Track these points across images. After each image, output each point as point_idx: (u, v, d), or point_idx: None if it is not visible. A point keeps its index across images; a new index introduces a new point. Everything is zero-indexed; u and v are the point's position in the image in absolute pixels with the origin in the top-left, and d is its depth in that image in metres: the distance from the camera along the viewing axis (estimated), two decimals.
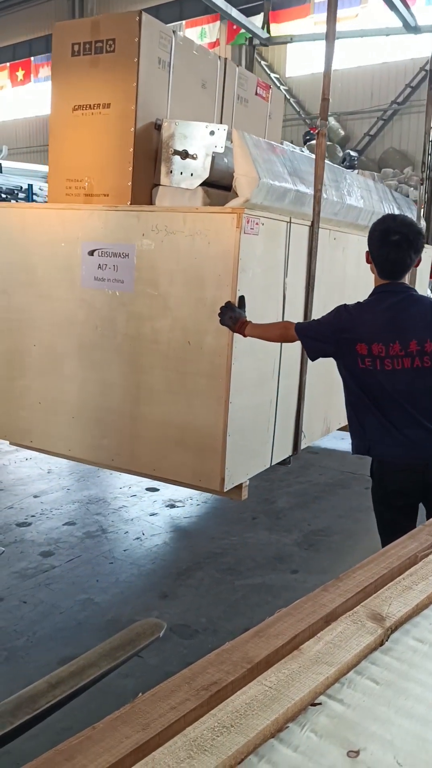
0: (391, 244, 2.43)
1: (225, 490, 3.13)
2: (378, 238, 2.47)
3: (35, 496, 4.51)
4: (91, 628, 3.01)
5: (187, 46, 3.47)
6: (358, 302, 2.56)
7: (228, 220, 2.93)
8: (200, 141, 3.27)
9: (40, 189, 17.49)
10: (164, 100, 3.38)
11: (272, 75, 19.07)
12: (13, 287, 3.53)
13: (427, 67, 14.50)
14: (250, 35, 5.45)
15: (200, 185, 3.26)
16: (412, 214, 5.27)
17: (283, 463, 3.66)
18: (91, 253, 3.28)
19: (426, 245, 2.67)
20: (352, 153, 15.32)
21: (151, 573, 3.58)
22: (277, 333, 2.79)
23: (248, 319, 2.85)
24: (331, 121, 15.28)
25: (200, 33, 18.58)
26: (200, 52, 3.58)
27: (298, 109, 16.73)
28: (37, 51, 21.88)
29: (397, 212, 4.79)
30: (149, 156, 3.33)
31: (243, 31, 17.20)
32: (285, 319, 3.26)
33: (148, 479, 4.44)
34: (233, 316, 2.84)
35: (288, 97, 17.85)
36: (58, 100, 3.42)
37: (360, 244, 3.73)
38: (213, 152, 3.25)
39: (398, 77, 14.98)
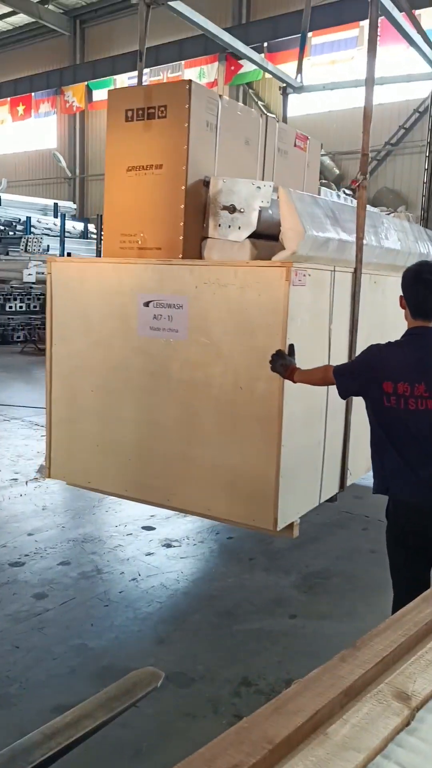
0: (422, 283, 2.64)
1: (278, 530, 3.30)
2: (411, 279, 2.68)
3: (29, 534, 4.47)
4: (86, 675, 2.98)
5: (232, 107, 3.72)
6: (390, 342, 2.74)
7: (277, 274, 3.14)
8: (247, 196, 3.49)
9: (38, 221, 18.02)
10: (211, 158, 3.62)
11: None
12: (72, 335, 3.77)
13: (421, 109, 15.02)
14: (282, 83, 5.69)
15: (247, 237, 3.48)
16: None
17: (331, 500, 3.81)
18: (147, 304, 3.51)
19: None
20: (347, 191, 15.70)
21: (148, 617, 3.51)
22: (320, 377, 2.94)
23: (297, 365, 3.04)
24: (326, 160, 15.75)
25: (199, 73, 19.07)
26: (243, 112, 3.83)
27: None
28: (37, 87, 22.61)
29: (429, 245, 4.98)
30: (198, 211, 3.56)
31: (241, 72, 17.78)
32: (329, 362, 3.45)
33: (143, 519, 4.67)
34: (284, 364, 3.02)
35: None
36: (112, 161, 3.67)
37: (398, 284, 3.92)
38: (260, 206, 3.47)
39: (392, 119, 15.47)
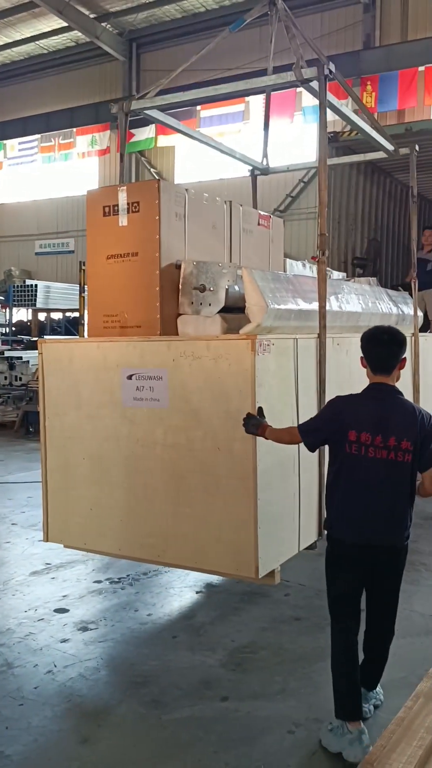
0: (379, 344, 3.14)
1: (260, 577, 3.66)
2: (368, 341, 3.18)
3: None
4: None
5: (198, 198, 4.25)
6: (352, 394, 3.23)
7: (244, 345, 3.60)
8: (215, 276, 3.98)
9: None
10: (182, 244, 4.12)
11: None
12: (65, 410, 4.20)
13: (305, 180, 16.23)
14: (249, 166, 6.32)
15: (218, 312, 3.95)
16: (408, 306, 5.98)
17: (310, 547, 4.18)
18: (130, 377, 3.95)
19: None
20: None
21: (68, 713, 3.32)
22: (288, 438, 3.40)
23: (268, 423, 3.47)
24: None
25: (91, 140, 19.85)
26: (209, 201, 4.36)
27: None
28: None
29: (393, 307, 5.50)
30: (173, 291, 4.04)
31: (133, 140, 18.88)
32: (298, 420, 3.89)
33: (54, 601, 4.61)
34: (255, 423, 3.46)
35: None
36: (93, 250, 4.18)
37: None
38: (227, 285, 3.96)
39: (279, 187, 16.77)
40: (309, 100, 15.67)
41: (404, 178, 9.99)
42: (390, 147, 5.82)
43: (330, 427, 3.14)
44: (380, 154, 6.17)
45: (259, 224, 4.88)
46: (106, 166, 22.13)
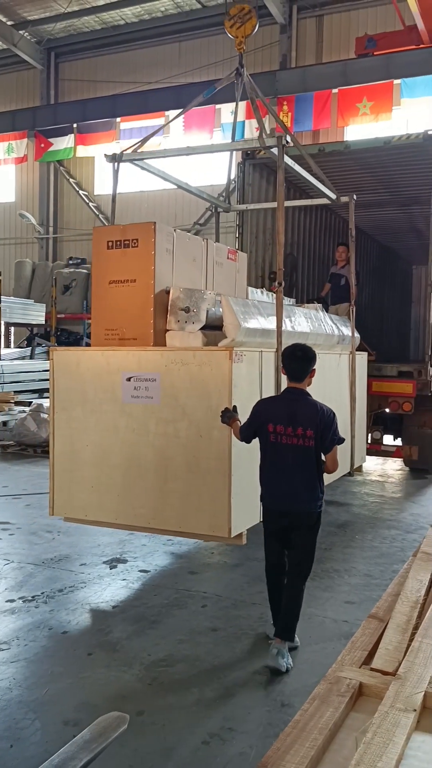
0: (296, 358, 4.28)
1: (231, 537, 4.87)
2: (287, 356, 4.32)
3: None
4: None
5: (183, 237, 5.46)
6: (271, 396, 4.50)
7: (223, 355, 4.82)
8: (197, 300, 5.18)
9: None
10: (170, 273, 5.30)
11: (81, 192, 22.22)
12: (71, 405, 5.27)
13: (224, 195, 18.02)
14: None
15: (199, 329, 5.15)
16: (347, 328, 7.46)
17: None
18: (129, 379, 5.08)
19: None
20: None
21: None
22: (236, 434, 4.55)
23: (239, 417, 4.62)
24: None
25: (8, 148, 20.77)
26: (191, 239, 5.59)
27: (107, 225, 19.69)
28: None
29: (335, 329, 6.91)
30: (163, 311, 5.21)
31: (51, 149, 19.84)
32: None
33: None
34: (229, 416, 4.61)
35: (97, 213, 21.33)
36: (98, 277, 5.28)
37: None
38: (207, 308, 5.17)
39: (199, 202, 18.27)
40: (227, 117, 16.97)
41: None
42: (333, 195, 7.12)
43: (255, 424, 4.29)
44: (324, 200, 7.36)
45: (228, 258, 6.15)
46: (23, 173, 22.66)
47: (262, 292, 6.72)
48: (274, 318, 5.42)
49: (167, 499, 5.03)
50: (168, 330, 5.23)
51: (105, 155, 6.04)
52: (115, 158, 5.78)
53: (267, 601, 4.43)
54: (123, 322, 5.21)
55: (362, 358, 8.23)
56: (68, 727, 3.37)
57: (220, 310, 5.22)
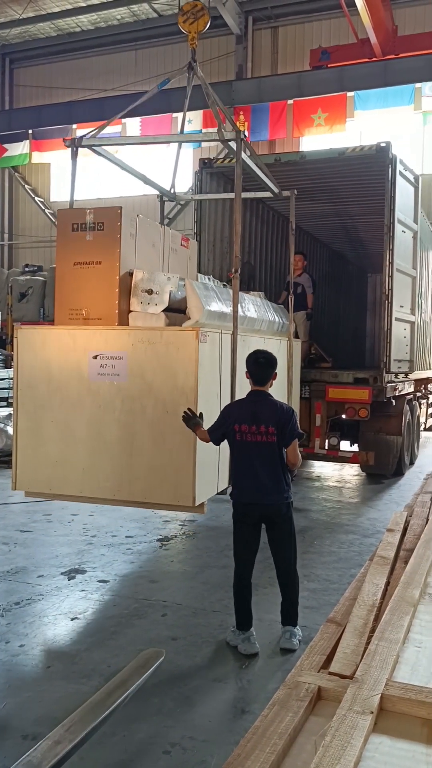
0: (259, 364, 4.63)
1: (195, 506, 5.18)
2: (251, 362, 4.66)
3: None
4: None
5: (145, 222, 5.80)
6: (238, 399, 4.79)
7: (190, 335, 5.16)
8: (161, 283, 5.50)
9: None
10: (133, 256, 5.63)
11: (37, 198, 22.50)
12: (36, 382, 5.54)
13: (182, 203, 18.43)
14: (159, 193, 7.90)
15: (162, 311, 5.47)
16: (285, 317, 7.90)
17: (222, 492, 5.70)
18: (95, 357, 5.36)
19: None
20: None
21: None
22: (204, 438, 4.77)
23: (204, 418, 4.85)
24: None
25: None
26: (151, 225, 5.91)
27: None
28: None
29: (276, 317, 7.33)
30: (127, 292, 5.52)
31: (6, 155, 19.99)
32: (220, 390, 5.46)
33: None
34: (194, 423, 4.78)
35: (53, 220, 21.24)
36: (62, 258, 5.57)
37: (258, 344, 6.07)
38: (170, 290, 5.50)
39: (158, 207, 18.65)
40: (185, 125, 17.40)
41: (276, 206, 11.18)
42: (276, 189, 7.60)
43: (223, 426, 4.60)
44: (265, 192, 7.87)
45: (181, 245, 6.50)
46: None
47: (209, 279, 7.08)
48: (230, 302, 5.78)
49: (133, 472, 5.32)
50: (131, 311, 5.53)
51: (63, 139, 6.34)
52: (74, 143, 6.08)
53: (227, 609, 4.60)
54: (87, 302, 5.50)
55: (297, 344, 8.71)
56: (27, 741, 3.35)
57: (181, 293, 5.55)
